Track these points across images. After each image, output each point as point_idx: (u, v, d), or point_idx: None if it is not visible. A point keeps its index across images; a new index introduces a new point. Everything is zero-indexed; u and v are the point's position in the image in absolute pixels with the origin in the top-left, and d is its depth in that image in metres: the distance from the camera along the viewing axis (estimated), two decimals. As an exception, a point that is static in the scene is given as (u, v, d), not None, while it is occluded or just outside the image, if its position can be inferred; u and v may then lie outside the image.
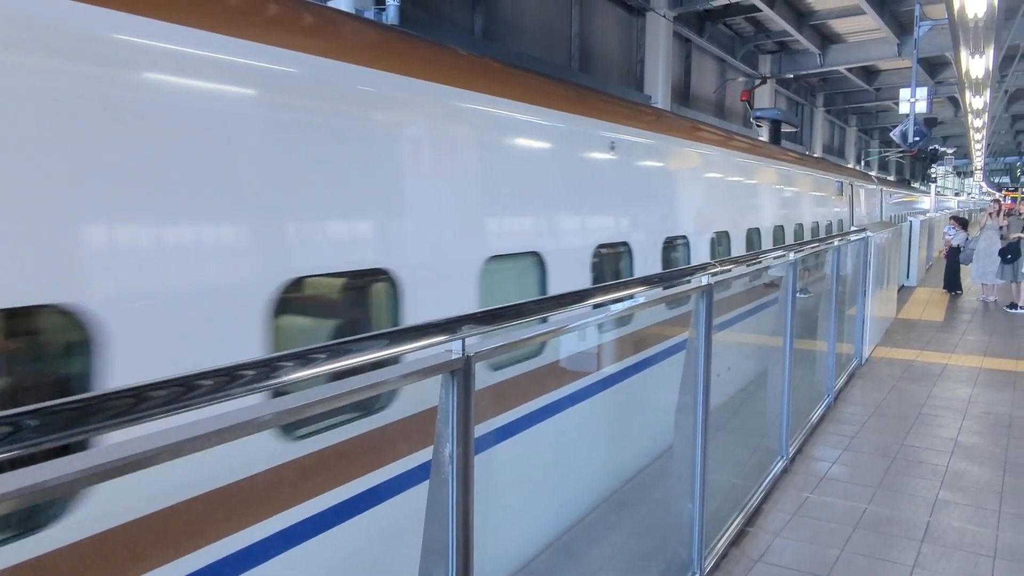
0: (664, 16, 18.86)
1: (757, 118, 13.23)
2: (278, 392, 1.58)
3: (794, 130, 13.20)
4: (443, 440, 1.94)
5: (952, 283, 15.23)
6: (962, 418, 6.61)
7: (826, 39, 25.89)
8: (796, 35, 23.21)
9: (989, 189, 66.90)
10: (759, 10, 20.84)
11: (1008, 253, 13.28)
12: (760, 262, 5.06)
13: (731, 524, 4.33)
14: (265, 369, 1.47)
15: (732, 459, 5.24)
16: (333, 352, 1.63)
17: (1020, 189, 60.43)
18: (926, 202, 36.36)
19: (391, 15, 8.95)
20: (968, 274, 14.88)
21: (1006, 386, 7.72)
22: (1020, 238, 13.21)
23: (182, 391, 1.31)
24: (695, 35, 21.89)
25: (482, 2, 13.61)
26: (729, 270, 4.11)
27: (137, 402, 1.24)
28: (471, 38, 13.29)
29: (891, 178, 47.20)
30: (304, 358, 1.55)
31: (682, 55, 22.28)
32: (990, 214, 14.50)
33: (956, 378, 8.10)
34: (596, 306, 2.82)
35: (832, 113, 38.93)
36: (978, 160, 46.07)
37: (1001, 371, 8.42)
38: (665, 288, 3.48)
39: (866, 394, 7.44)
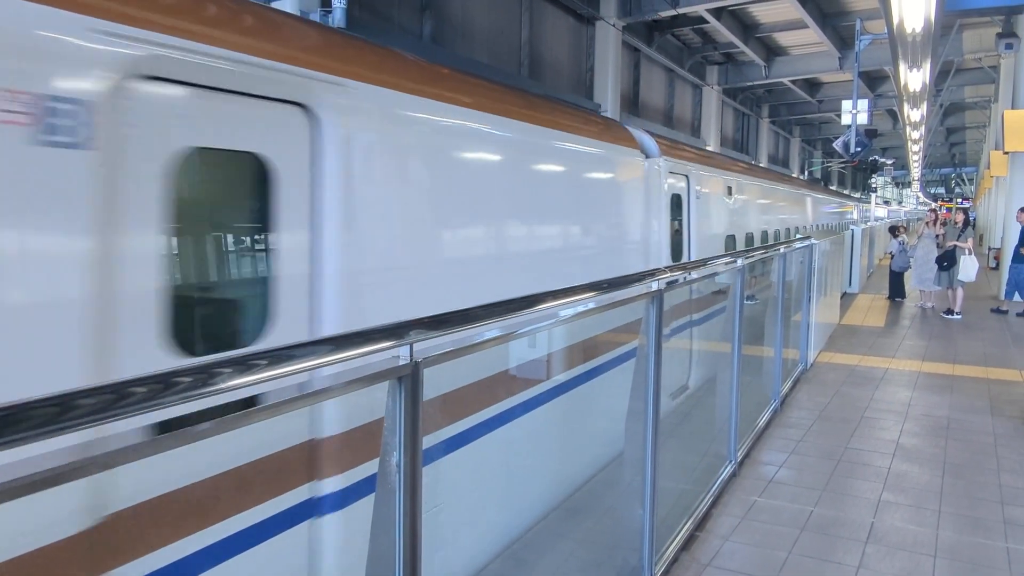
0: (613, 25, 19.10)
1: None
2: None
3: None
4: (390, 449, 1.88)
5: (896, 290, 15.65)
6: (903, 421, 6.76)
7: (771, 51, 26.54)
8: (742, 47, 23.75)
9: (926, 199, 69.29)
10: (706, 22, 21.27)
11: (944, 261, 13.69)
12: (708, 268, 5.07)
13: (681, 529, 4.35)
14: (202, 376, 1.40)
15: (681, 464, 5.26)
16: (275, 358, 1.57)
17: (954, 199, 62.58)
18: (853, 214, 28.62)
19: (337, 18, 8.79)
20: (909, 281, 15.30)
21: (944, 389, 7.94)
22: (956, 246, 13.62)
23: (113, 399, 1.24)
24: (644, 45, 22.22)
25: (431, 6, 13.57)
26: (678, 277, 4.13)
27: (63, 411, 1.17)
28: (419, 42, 13.23)
29: (766, 165, 31.67)
30: (243, 364, 1.48)
31: (631, 65, 22.58)
32: (927, 223, 14.89)
33: (897, 382, 8.30)
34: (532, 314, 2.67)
35: (777, 124, 39.89)
36: (916, 171, 47.60)
37: (939, 375, 8.66)
38: (599, 295, 3.35)
39: (811, 398, 7.57)
